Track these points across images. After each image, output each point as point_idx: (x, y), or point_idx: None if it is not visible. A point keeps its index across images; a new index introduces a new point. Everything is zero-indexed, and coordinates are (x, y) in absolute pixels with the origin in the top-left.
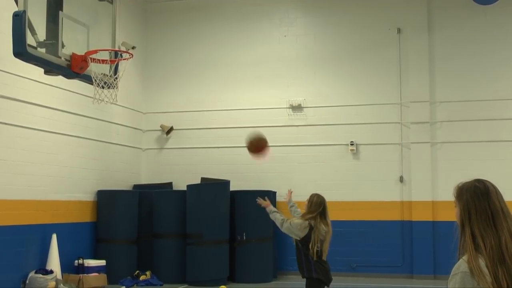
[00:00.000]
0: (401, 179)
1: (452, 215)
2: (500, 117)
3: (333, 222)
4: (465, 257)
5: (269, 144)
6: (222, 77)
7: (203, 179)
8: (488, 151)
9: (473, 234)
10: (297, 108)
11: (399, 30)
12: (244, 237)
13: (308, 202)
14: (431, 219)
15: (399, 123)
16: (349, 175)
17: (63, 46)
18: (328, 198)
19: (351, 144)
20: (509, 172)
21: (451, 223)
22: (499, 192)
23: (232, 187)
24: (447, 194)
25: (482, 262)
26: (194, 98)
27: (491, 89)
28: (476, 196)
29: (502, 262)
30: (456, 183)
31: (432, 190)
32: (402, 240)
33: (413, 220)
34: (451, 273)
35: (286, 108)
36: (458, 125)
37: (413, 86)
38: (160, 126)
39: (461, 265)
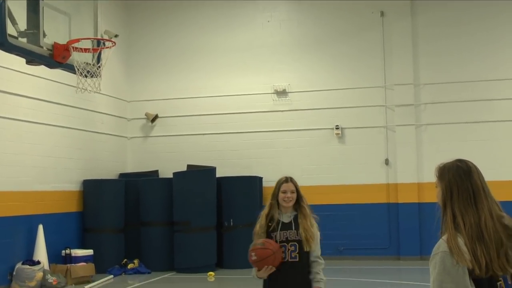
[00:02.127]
0: (387, 162)
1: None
2: (484, 98)
3: (320, 206)
4: (444, 237)
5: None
6: (206, 63)
7: (189, 166)
8: (472, 132)
9: (454, 213)
10: (282, 93)
11: (382, 13)
12: (232, 223)
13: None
14: (416, 201)
15: (383, 106)
16: (335, 158)
17: (44, 35)
18: (314, 182)
19: (336, 128)
20: (492, 152)
21: (436, 204)
22: (480, 172)
23: (218, 174)
24: (432, 176)
25: (461, 241)
26: (179, 86)
27: (474, 71)
28: (459, 176)
29: (481, 240)
30: None
31: (417, 172)
32: (388, 222)
33: (399, 202)
34: (432, 254)
35: (271, 93)
36: (442, 107)
37: (397, 69)
38: (145, 114)
39: (441, 245)
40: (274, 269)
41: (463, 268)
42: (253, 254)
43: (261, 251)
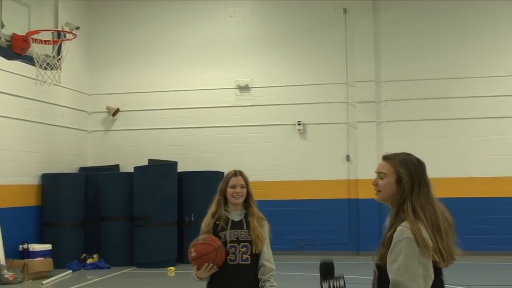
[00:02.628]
0: (348, 158)
1: None
2: (443, 96)
3: (281, 201)
4: (406, 224)
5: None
6: (169, 58)
7: (150, 160)
8: (430, 129)
9: (414, 206)
10: (244, 88)
11: (345, 10)
12: (192, 218)
13: None
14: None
15: (345, 102)
16: (297, 154)
17: (2, 26)
18: (276, 177)
19: (298, 124)
20: (451, 150)
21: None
22: None
23: (180, 168)
24: None
25: (423, 229)
26: (141, 79)
27: (434, 69)
28: (420, 169)
29: (440, 232)
30: None
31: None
32: (349, 218)
33: (359, 198)
34: (395, 240)
35: (234, 88)
36: (402, 104)
37: (359, 66)
38: (106, 108)
39: (404, 231)
40: (216, 268)
41: (428, 255)
42: (192, 250)
43: (202, 246)
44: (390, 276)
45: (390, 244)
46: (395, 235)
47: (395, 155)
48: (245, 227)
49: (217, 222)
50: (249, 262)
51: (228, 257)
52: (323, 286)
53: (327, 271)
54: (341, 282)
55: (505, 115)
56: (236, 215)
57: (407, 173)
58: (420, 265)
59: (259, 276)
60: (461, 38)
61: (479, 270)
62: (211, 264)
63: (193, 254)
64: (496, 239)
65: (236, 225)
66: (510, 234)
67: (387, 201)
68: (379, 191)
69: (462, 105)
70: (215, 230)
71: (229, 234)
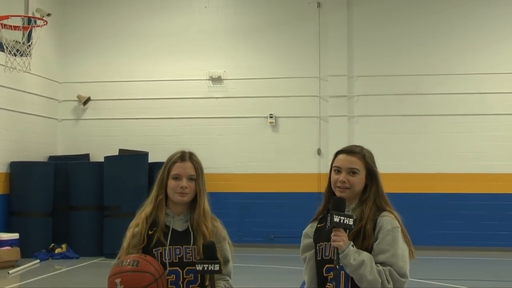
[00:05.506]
0: (319, 152)
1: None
2: (414, 92)
3: (251, 194)
4: (387, 214)
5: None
6: (141, 47)
7: (121, 150)
8: (402, 125)
9: (384, 197)
10: (217, 80)
11: (319, 4)
12: None
13: None
14: None
15: (317, 96)
16: (268, 147)
17: None
18: (247, 170)
19: (270, 117)
20: (421, 145)
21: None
22: None
23: (151, 159)
24: None
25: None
26: (113, 68)
27: (406, 65)
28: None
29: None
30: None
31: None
32: None
33: None
34: (388, 227)
35: (206, 80)
36: (374, 99)
37: (331, 60)
38: (77, 96)
39: (392, 221)
40: None
41: (410, 244)
42: (117, 282)
43: (133, 276)
44: (388, 265)
45: (372, 236)
46: (383, 225)
47: (359, 148)
48: (192, 242)
49: (150, 232)
50: None
51: None
52: (334, 218)
53: (339, 206)
54: (350, 221)
55: (475, 113)
56: (179, 222)
57: (375, 166)
58: (407, 253)
59: None
60: (434, 35)
61: (448, 265)
62: None
63: (119, 287)
64: (464, 234)
65: (180, 238)
66: (477, 230)
67: (355, 196)
68: (347, 188)
69: (433, 102)
70: (147, 246)
71: (168, 253)
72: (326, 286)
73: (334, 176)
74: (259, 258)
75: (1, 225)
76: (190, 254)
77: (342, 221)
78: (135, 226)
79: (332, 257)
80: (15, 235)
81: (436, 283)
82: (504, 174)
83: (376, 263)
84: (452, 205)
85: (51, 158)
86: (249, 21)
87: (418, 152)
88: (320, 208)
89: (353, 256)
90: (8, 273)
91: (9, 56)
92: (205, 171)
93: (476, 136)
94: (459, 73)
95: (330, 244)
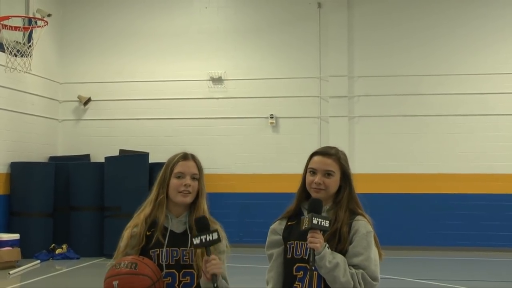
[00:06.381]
0: None
1: (366, 187)
2: (415, 93)
3: (252, 194)
4: (361, 218)
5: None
6: (142, 47)
7: (121, 151)
8: (402, 126)
9: (357, 200)
10: (217, 80)
11: (319, 5)
12: None
13: None
14: None
15: (318, 96)
16: (269, 147)
17: None
18: (247, 170)
19: (271, 117)
20: (421, 146)
21: (367, 195)
22: None
23: (152, 160)
24: (363, 167)
25: None
26: (113, 69)
27: (407, 66)
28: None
29: None
30: (372, 156)
31: (349, 163)
32: None
33: None
34: (363, 231)
35: (207, 80)
36: (375, 100)
37: (332, 60)
38: (78, 97)
39: (366, 225)
40: None
41: (379, 248)
42: (115, 283)
43: (131, 278)
44: (361, 268)
45: (348, 240)
46: (359, 229)
47: (335, 150)
48: (189, 244)
49: (148, 233)
50: None
51: None
52: (313, 220)
53: (317, 207)
54: (327, 223)
55: (475, 113)
56: (177, 224)
57: (349, 169)
58: (378, 257)
59: None
60: (435, 36)
61: (449, 265)
62: None
63: None
64: (464, 235)
65: (177, 240)
66: (478, 230)
67: (329, 197)
68: (322, 189)
69: (434, 102)
70: (145, 246)
71: (165, 255)
72: (294, 285)
73: (309, 178)
74: (260, 259)
75: (1, 226)
76: (187, 257)
77: (320, 223)
78: (134, 226)
79: (304, 257)
80: (16, 236)
81: (437, 283)
82: (505, 175)
83: (349, 265)
84: (453, 206)
85: (52, 158)
86: (250, 22)
87: (418, 153)
88: (291, 206)
89: (328, 258)
90: (9, 273)
91: (9, 56)
92: (206, 171)
93: (476, 137)
94: (459, 74)
95: (302, 243)
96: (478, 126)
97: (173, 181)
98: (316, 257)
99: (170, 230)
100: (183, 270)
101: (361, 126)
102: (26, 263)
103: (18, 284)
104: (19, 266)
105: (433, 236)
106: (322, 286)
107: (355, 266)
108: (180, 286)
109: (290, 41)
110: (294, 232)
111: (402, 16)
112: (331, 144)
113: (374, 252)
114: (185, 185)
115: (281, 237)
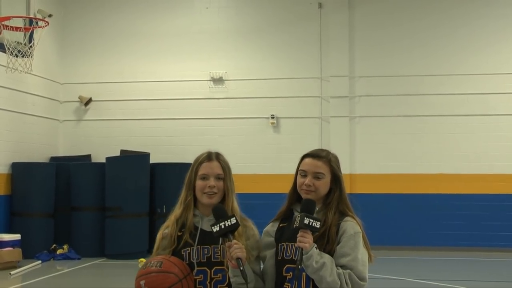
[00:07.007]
0: None
1: (369, 187)
2: (416, 93)
3: (254, 194)
4: (350, 219)
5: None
6: (143, 47)
7: (122, 151)
8: (403, 126)
9: (347, 202)
10: (218, 80)
11: (320, 5)
12: (164, 210)
13: None
14: (348, 192)
15: (319, 97)
16: (269, 148)
17: None
18: (248, 170)
19: (272, 117)
20: (422, 146)
21: (368, 195)
22: None
23: (152, 160)
24: (364, 167)
25: None
26: (114, 69)
27: (408, 66)
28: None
29: None
30: (373, 156)
31: (350, 163)
32: None
33: None
34: (351, 232)
35: (208, 80)
36: (376, 100)
37: (333, 60)
38: (79, 97)
39: (354, 226)
40: None
41: (369, 249)
42: (142, 283)
43: (157, 277)
44: (348, 268)
45: (335, 241)
46: (346, 229)
47: (326, 152)
48: (221, 241)
49: (179, 233)
50: None
51: None
52: (304, 220)
53: (309, 208)
54: (318, 225)
55: (477, 113)
56: (207, 223)
57: (340, 171)
58: (366, 258)
59: None
60: (436, 36)
61: (450, 265)
62: None
63: None
64: (466, 235)
65: (208, 238)
66: (479, 230)
67: (319, 199)
68: (312, 191)
69: (435, 102)
70: (176, 246)
71: (196, 253)
72: (284, 286)
73: (299, 179)
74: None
75: (3, 226)
76: (219, 254)
77: (310, 224)
78: (165, 228)
79: (293, 257)
80: (17, 236)
81: (438, 283)
82: (506, 175)
83: (337, 265)
84: (454, 206)
85: (53, 159)
86: (251, 22)
87: (419, 153)
88: (283, 208)
89: (315, 258)
90: (10, 274)
91: (10, 57)
92: None
93: (478, 137)
94: (461, 74)
95: (292, 245)
96: (479, 126)
97: (198, 183)
98: (303, 256)
99: (201, 229)
100: (215, 267)
101: (362, 126)
102: (27, 264)
103: (19, 285)
104: (20, 267)
105: (434, 236)
106: (311, 287)
107: (343, 267)
108: (212, 283)
109: (291, 41)
110: (285, 234)
111: (403, 16)
112: (332, 144)
113: (362, 252)
114: (209, 186)
115: (274, 239)
